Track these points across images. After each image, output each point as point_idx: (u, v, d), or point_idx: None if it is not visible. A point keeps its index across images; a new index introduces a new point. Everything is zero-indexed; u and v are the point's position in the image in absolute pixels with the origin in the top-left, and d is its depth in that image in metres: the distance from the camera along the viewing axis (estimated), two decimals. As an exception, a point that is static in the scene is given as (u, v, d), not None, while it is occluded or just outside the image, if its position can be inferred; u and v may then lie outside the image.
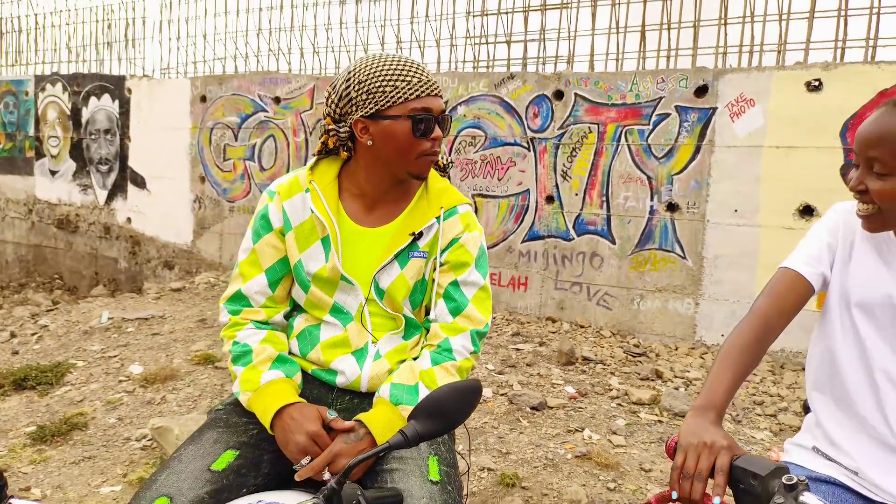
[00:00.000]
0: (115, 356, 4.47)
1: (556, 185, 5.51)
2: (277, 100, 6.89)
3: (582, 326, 5.32)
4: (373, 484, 1.25)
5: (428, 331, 1.50)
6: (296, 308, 1.54)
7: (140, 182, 7.85)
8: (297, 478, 1.24)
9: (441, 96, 1.43)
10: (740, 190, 4.81)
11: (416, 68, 1.38)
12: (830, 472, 1.24)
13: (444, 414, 1.05)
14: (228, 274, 6.84)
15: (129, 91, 7.81)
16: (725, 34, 5.11)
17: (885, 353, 1.18)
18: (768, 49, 4.99)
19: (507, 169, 5.70)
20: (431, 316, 1.48)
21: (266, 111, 6.96)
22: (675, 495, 0.98)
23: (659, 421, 3.67)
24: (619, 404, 3.88)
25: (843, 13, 4.73)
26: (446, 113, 1.43)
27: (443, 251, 1.46)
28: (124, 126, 7.87)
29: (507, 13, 5.99)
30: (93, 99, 8.07)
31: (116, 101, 7.90)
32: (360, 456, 0.98)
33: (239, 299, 1.47)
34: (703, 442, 0.97)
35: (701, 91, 4.94)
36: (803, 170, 4.53)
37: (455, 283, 1.46)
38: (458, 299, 1.45)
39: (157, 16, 7.84)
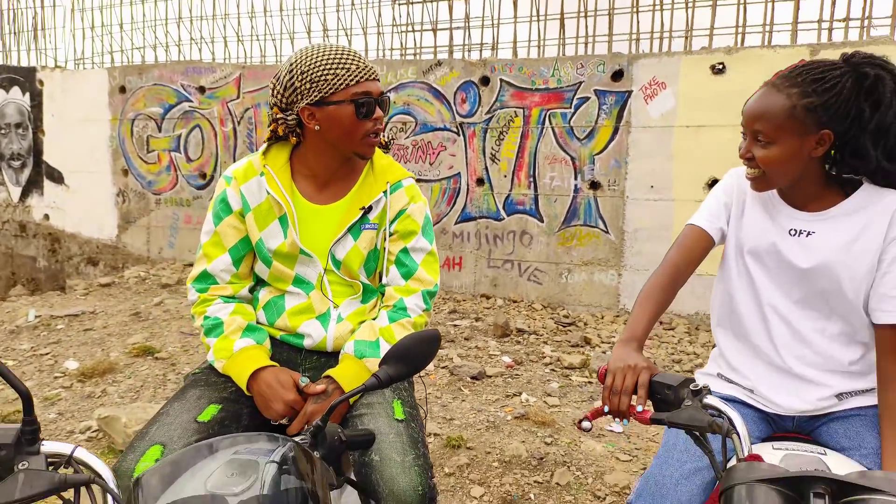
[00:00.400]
0: (47, 353, 4.37)
1: (486, 168, 5.73)
2: (202, 89, 6.78)
3: (515, 301, 5.58)
4: (347, 428, 1.40)
5: (383, 294, 1.64)
6: (259, 282, 1.65)
7: (57, 177, 7.54)
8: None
9: (378, 80, 1.55)
10: (655, 167, 5.16)
11: (354, 56, 1.49)
12: (732, 392, 1.48)
13: (410, 359, 1.20)
14: (159, 267, 6.72)
15: (41, 83, 7.47)
16: (638, 21, 5.45)
17: (772, 291, 1.42)
18: (677, 35, 5.36)
19: (438, 153, 5.86)
20: (385, 281, 1.62)
21: (191, 101, 6.84)
22: (606, 409, 1.17)
23: (589, 382, 3.96)
24: (553, 370, 4.14)
25: (742, 1, 5.14)
26: (385, 94, 1.57)
27: (391, 222, 1.60)
28: (37, 119, 7.53)
29: (431, 1, 6.13)
30: (0, 91, 7.67)
31: (27, 94, 7.54)
32: (342, 396, 1.12)
33: (205, 278, 1.57)
34: (627, 365, 1.16)
35: (617, 75, 5.26)
36: (711, 147, 4.91)
37: (405, 250, 1.61)
38: (408, 264, 1.60)
39: (68, 4, 7.51)
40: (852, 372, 1.36)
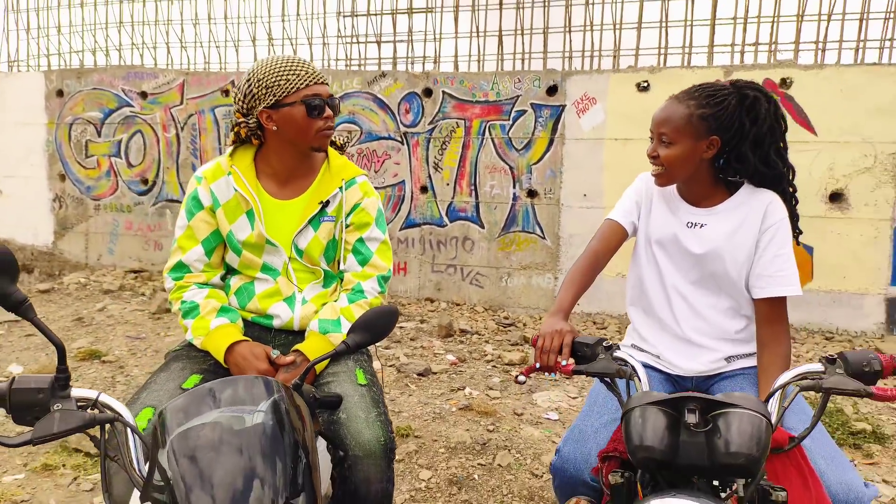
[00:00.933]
0: (-13, 359, 4.31)
1: (429, 176, 5.97)
2: (144, 95, 6.76)
3: (458, 304, 5.82)
4: (316, 391, 1.59)
5: (342, 280, 1.84)
6: (230, 271, 1.83)
7: (-12, 182, 7.32)
8: None
9: (327, 84, 1.75)
10: (588, 177, 5.52)
11: (303, 63, 1.70)
12: (643, 359, 1.75)
13: (373, 329, 1.41)
14: (98, 274, 6.63)
15: (-29, 84, 7.26)
16: (570, 40, 5.82)
17: (674, 274, 1.70)
18: (606, 54, 5.75)
19: (383, 161, 6.06)
20: (343, 267, 1.83)
21: (132, 106, 6.81)
22: (538, 365, 1.41)
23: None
24: (494, 366, 4.39)
25: (664, 24, 5.58)
26: (333, 97, 1.77)
27: (347, 214, 1.81)
28: (-34, 122, 7.30)
29: (375, 14, 6.34)
30: (-74, 92, 7.39)
31: (-44, 96, 7.31)
32: (319, 357, 1.31)
33: (181, 268, 1.74)
34: (555, 330, 1.40)
35: (552, 90, 5.60)
36: (637, 158, 5.30)
37: (360, 240, 1.82)
38: (364, 252, 1.81)
39: (1, 4, 7.34)
40: (738, 339, 1.66)
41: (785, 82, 5.11)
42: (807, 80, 5.08)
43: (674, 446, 1.03)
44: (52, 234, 7.13)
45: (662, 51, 5.57)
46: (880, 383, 4.08)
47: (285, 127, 1.68)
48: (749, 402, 1.03)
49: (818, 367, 1.17)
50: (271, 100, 1.65)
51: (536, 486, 2.82)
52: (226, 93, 6.51)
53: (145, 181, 6.86)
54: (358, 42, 6.42)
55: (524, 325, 5.38)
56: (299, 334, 1.76)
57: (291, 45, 6.59)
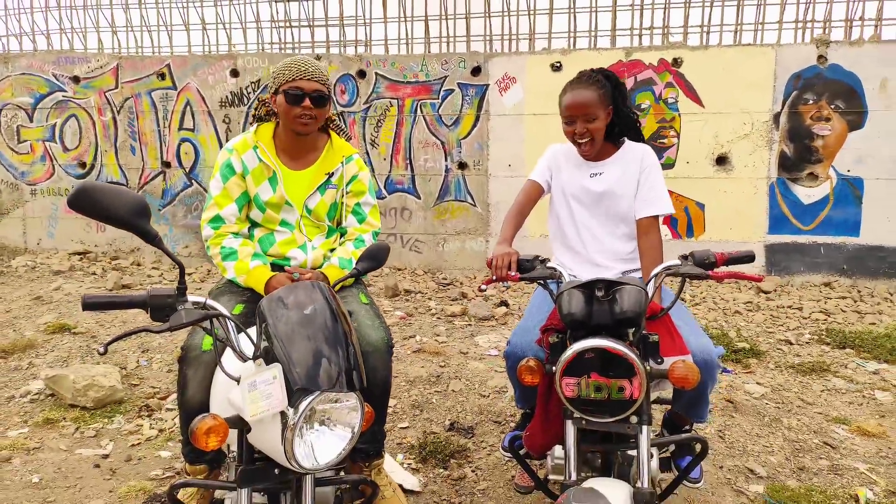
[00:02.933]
0: (-47, 339, 4.49)
1: (367, 152, 6.42)
2: (77, 79, 6.82)
3: (399, 269, 6.35)
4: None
5: (342, 234, 2.36)
6: (253, 225, 2.30)
7: (-89, 171, 7.18)
8: None
9: (318, 81, 2.19)
10: (511, 149, 6.14)
11: (301, 62, 2.15)
12: (567, 277, 2.37)
13: (375, 258, 1.93)
14: (45, 256, 6.71)
15: None
16: (490, 25, 6.38)
17: (583, 212, 2.31)
18: (523, 37, 6.36)
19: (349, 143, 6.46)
20: (346, 225, 2.34)
21: (64, 90, 6.86)
22: (494, 277, 1.97)
23: (468, 325, 4.83)
24: (438, 318, 4.97)
25: (573, 10, 6.23)
26: (317, 91, 2.18)
27: (347, 184, 2.31)
28: None
29: (307, 0, 6.68)
30: None
31: None
32: (345, 275, 1.82)
33: (218, 220, 2.19)
34: (504, 252, 1.96)
35: (476, 71, 6.16)
36: (553, 131, 5.90)
37: (358, 204, 2.35)
38: (361, 213, 2.35)
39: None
40: (629, 258, 2.29)
41: (676, 61, 5.87)
42: (695, 59, 5.87)
43: (589, 312, 1.61)
44: (-13, 220, 7.11)
45: (572, 35, 6.23)
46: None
47: (278, 108, 2.17)
48: (634, 282, 1.63)
49: (677, 262, 1.79)
50: (274, 87, 2.15)
51: (485, 404, 3.43)
52: (161, 76, 6.69)
53: (83, 164, 6.95)
54: (291, 26, 6.74)
55: (461, 283, 5.99)
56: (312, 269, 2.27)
57: (225, 29, 6.83)
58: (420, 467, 2.81)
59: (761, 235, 5.95)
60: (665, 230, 6.07)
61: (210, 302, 1.54)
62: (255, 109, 2.29)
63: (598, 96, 2.18)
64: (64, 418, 3.31)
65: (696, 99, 5.88)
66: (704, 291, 5.67)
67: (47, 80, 6.85)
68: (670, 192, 5.97)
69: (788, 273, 5.92)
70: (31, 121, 6.93)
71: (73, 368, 3.58)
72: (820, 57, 5.66)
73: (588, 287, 1.63)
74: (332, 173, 2.28)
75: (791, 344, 4.44)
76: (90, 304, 1.41)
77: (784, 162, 5.85)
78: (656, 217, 2.23)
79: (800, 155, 5.81)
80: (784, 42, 5.90)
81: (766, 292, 5.57)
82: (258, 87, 6.55)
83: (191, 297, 1.51)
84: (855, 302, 5.34)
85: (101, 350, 1.35)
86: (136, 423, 3.25)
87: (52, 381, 3.51)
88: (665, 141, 5.97)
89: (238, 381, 1.43)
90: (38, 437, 3.12)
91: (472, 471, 2.77)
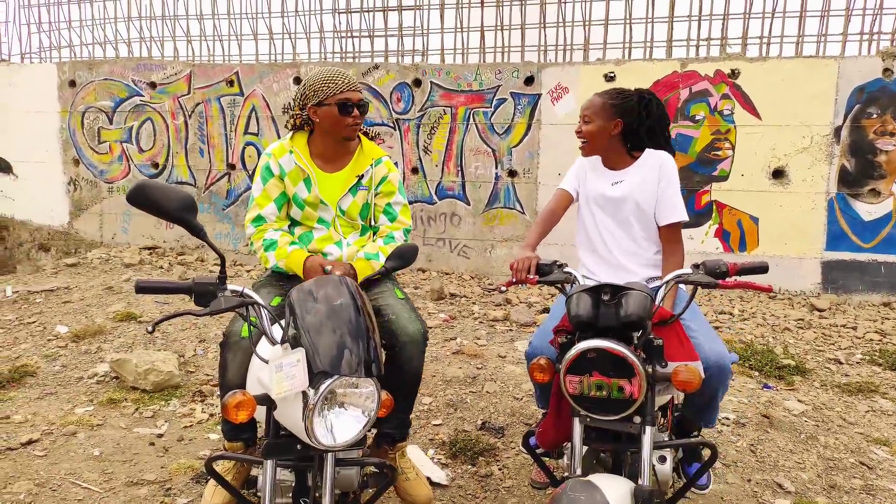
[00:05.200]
0: (33, 322, 4.89)
1: (420, 159, 6.61)
2: (153, 85, 7.29)
3: (447, 273, 6.49)
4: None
5: (374, 231, 2.51)
6: (293, 224, 2.48)
7: (4, 167, 7.81)
8: None
9: (360, 91, 2.39)
10: (561, 158, 6.19)
11: (342, 75, 2.33)
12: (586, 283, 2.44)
13: (402, 258, 2.07)
14: (118, 250, 7.20)
15: (-15, 76, 7.73)
16: (545, 35, 6.46)
17: (605, 219, 2.39)
18: (577, 48, 6.40)
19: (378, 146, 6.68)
20: (378, 223, 2.49)
21: (142, 95, 7.33)
22: (514, 280, 2.07)
23: (510, 330, 4.92)
24: (481, 322, 5.08)
25: (628, 21, 6.24)
26: (363, 101, 2.39)
27: (377, 185, 2.47)
28: (-18, 112, 7.77)
29: (368, 11, 6.92)
30: (-59, 83, 7.84)
31: (-30, 87, 7.77)
32: (370, 273, 1.97)
33: (259, 219, 2.39)
34: (525, 256, 2.06)
35: (529, 81, 6.25)
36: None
37: (389, 204, 2.50)
38: (392, 213, 2.50)
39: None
40: (655, 264, 2.35)
41: (734, 73, 5.80)
42: (753, 71, 5.78)
43: (596, 315, 1.70)
44: (68, 214, 7.67)
45: (627, 45, 6.24)
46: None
47: (324, 120, 2.33)
48: (640, 286, 1.71)
49: (689, 270, 1.84)
50: (316, 100, 2.30)
51: (517, 406, 3.51)
52: (230, 83, 7.07)
53: (156, 165, 7.42)
54: (352, 36, 7.01)
55: (506, 289, 6.07)
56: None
57: (290, 39, 7.16)
58: (449, 462, 2.92)
59: (818, 252, 5.79)
60: (717, 243, 5.99)
61: (248, 291, 1.70)
62: (293, 118, 2.43)
63: (603, 104, 2.31)
64: (125, 399, 3.58)
65: (753, 111, 5.79)
66: (755, 307, 5.57)
67: (127, 85, 7.35)
68: (723, 205, 5.93)
69: (846, 291, 5.73)
70: (111, 123, 7.44)
71: (136, 354, 3.87)
72: (886, 70, 5.48)
73: (596, 291, 1.71)
74: (363, 175, 2.43)
75: (840, 363, 4.32)
76: (143, 288, 1.60)
77: (844, 177, 5.68)
78: (677, 224, 2.28)
79: (861, 170, 5.63)
80: (848, 54, 5.74)
81: (820, 310, 5.42)
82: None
83: (230, 286, 1.68)
84: (915, 324, 5.13)
85: (150, 329, 1.53)
86: (189, 407, 3.49)
87: (116, 364, 3.81)
88: (720, 153, 5.90)
89: (268, 362, 1.58)
90: (102, 416, 3.40)
91: (500, 469, 2.86)
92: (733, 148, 5.86)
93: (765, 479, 2.79)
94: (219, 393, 2.23)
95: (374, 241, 2.49)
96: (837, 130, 5.64)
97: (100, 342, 4.45)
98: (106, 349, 4.34)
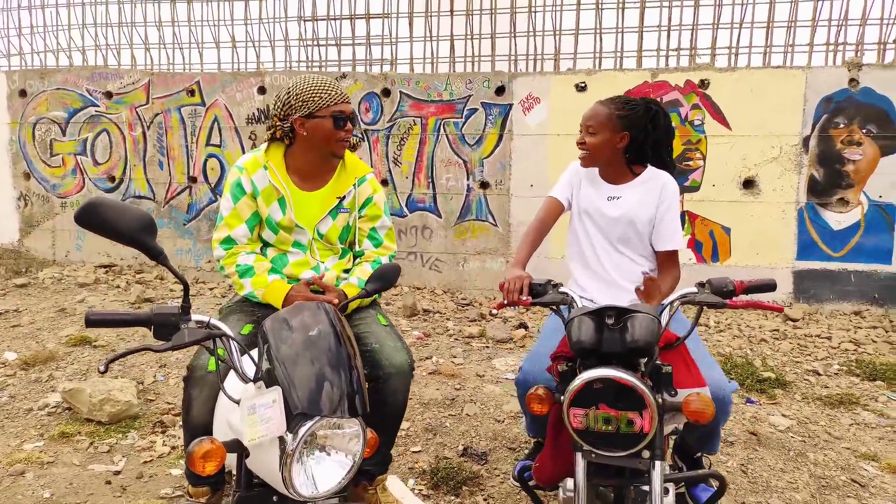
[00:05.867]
0: (-22, 348, 4.56)
1: (389, 170, 6.44)
2: (109, 94, 6.98)
3: (419, 288, 6.33)
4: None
5: (355, 256, 2.33)
6: (265, 244, 2.28)
7: (-52, 182, 7.39)
8: None
9: (349, 103, 2.22)
10: (534, 169, 6.11)
11: (333, 85, 2.14)
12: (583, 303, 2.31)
13: (384, 278, 1.91)
14: (71, 269, 6.84)
15: (-74, 85, 7.30)
16: (515, 45, 6.38)
17: (599, 236, 2.26)
18: (548, 57, 6.34)
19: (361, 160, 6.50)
20: (362, 248, 2.31)
21: (97, 105, 7.02)
22: (506, 302, 1.92)
23: (486, 346, 4.77)
24: (456, 339, 4.92)
25: (598, 31, 6.21)
26: (355, 113, 2.23)
27: (361, 207, 2.28)
28: (-77, 122, 7.34)
29: (335, 19, 6.76)
30: None
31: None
32: (354, 296, 1.80)
33: (229, 241, 2.18)
34: (516, 275, 1.92)
35: (500, 90, 6.16)
36: (576, 152, 5.89)
37: (374, 229, 2.32)
38: (377, 238, 2.33)
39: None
40: (647, 280, 2.24)
41: (703, 83, 5.80)
42: (722, 81, 5.79)
43: (600, 340, 1.56)
44: (18, 231, 7.27)
45: (597, 55, 6.20)
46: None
47: (314, 133, 2.11)
48: (646, 309, 1.58)
49: (694, 289, 1.73)
50: (306, 111, 2.08)
51: (499, 429, 3.36)
52: (191, 92, 6.81)
53: (112, 178, 7.09)
54: (318, 45, 6.83)
55: (480, 304, 5.93)
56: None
57: (254, 48, 6.94)
58: (431, 494, 2.75)
59: (789, 261, 5.80)
60: (690, 254, 5.96)
61: (214, 321, 1.52)
62: (272, 129, 2.22)
63: (609, 115, 2.16)
64: (79, 432, 3.32)
65: (724, 121, 5.80)
66: (729, 318, 5.54)
67: (81, 95, 7.02)
68: (695, 216, 5.91)
69: (817, 301, 5.75)
70: (64, 135, 7.10)
71: (91, 382, 3.60)
72: (851, 80, 5.54)
73: (598, 314, 1.58)
74: (344, 197, 2.24)
75: (819, 375, 4.29)
76: (93, 322, 1.41)
77: (813, 186, 5.72)
78: (675, 251, 2.17)
79: (830, 179, 5.67)
80: (815, 65, 5.79)
81: (793, 320, 5.42)
82: (284, 105, 6.61)
83: (195, 316, 1.50)
84: (886, 332, 5.16)
85: (102, 369, 1.34)
86: (149, 440, 3.25)
87: (69, 394, 3.53)
88: (691, 163, 5.88)
89: (238, 403, 1.40)
90: (53, 451, 3.14)
91: (485, 499, 2.70)
92: (704, 158, 5.86)
93: (759, 502, 2.69)
94: (182, 432, 2.02)
95: (359, 264, 2.31)
96: (806, 140, 5.68)
97: (51, 370, 4.16)
98: (58, 377, 4.05)
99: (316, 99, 2.09)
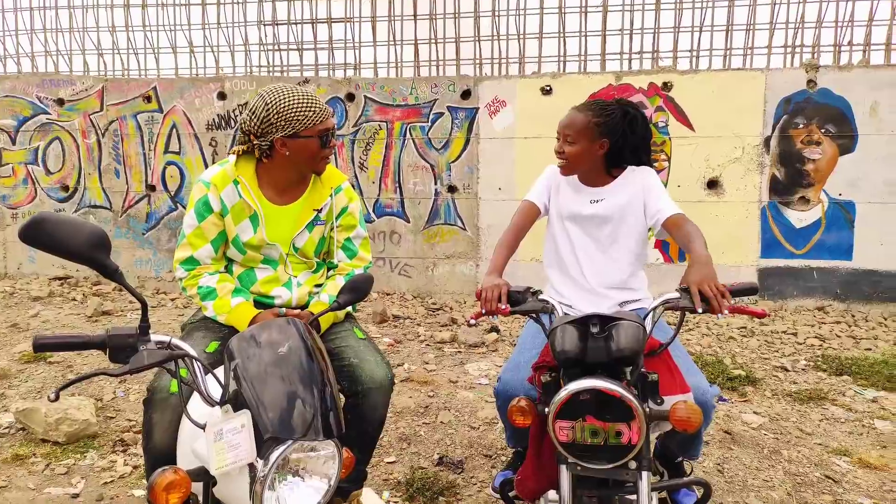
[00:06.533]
0: (-77, 369, 4.32)
1: (356, 175, 6.34)
2: (61, 102, 6.73)
3: (388, 294, 6.24)
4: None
5: (329, 267, 2.24)
6: (230, 261, 2.16)
7: None
8: None
9: (333, 116, 2.09)
10: (501, 172, 6.08)
11: (317, 101, 1.98)
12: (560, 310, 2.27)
13: (357, 290, 1.83)
14: (24, 282, 6.55)
15: None
16: (480, 48, 6.36)
17: (583, 237, 2.22)
18: (513, 61, 6.33)
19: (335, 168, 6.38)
20: (336, 260, 2.21)
21: (48, 113, 6.75)
22: (483, 311, 1.86)
23: (458, 351, 4.71)
24: (428, 345, 4.85)
25: (562, 35, 6.22)
26: (334, 127, 2.13)
27: (337, 217, 2.18)
28: None
29: (296, 23, 6.64)
30: None
31: None
32: (324, 309, 1.71)
33: (192, 262, 2.05)
34: (493, 283, 1.86)
35: (465, 94, 6.12)
36: (543, 154, 5.90)
37: (349, 239, 2.21)
38: (352, 248, 2.22)
39: None
40: (628, 288, 2.20)
41: (666, 85, 5.86)
42: (685, 84, 5.85)
43: (584, 349, 1.51)
44: (-34, 245, 6.95)
45: (562, 59, 6.21)
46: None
47: (298, 153, 1.96)
48: (631, 317, 1.54)
49: (676, 294, 1.69)
50: (290, 130, 1.92)
51: (475, 437, 3.30)
52: (147, 99, 6.61)
53: (66, 188, 6.83)
54: (279, 49, 6.70)
55: (451, 308, 5.88)
56: (297, 309, 2.15)
57: (213, 52, 6.76)
58: (407, 506, 2.68)
59: (754, 259, 5.89)
60: (657, 254, 6.01)
61: (175, 341, 1.43)
62: (249, 147, 2.05)
63: (587, 123, 2.11)
64: (34, 454, 3.15)
65: (687, 123, 5.86)
66: (697, 317, 5.59)
67: (31, 102, 6.75)
68: (662, 216, 5.95)
69: (782, 297, 5.85)
70: (14, 143, 6.81)
71: (45, 401, 3.42)
72: (809, 81, 5.66)
73: (582, 322, 1.53)
74: (321, 209, 2.12)
75: (787, 371, 4.35)
76: (41, 346, 1.30)
77: (775, 186, 5.82)
78: (677, 216, 2.08)
79: (791, 179, 5.78)
80: (773, 66, 5.90)
81: (760, 317, 5.49)
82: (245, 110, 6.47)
83: (154, 337, 1.40)
84: (849, 327, 5.27)
85: (52, 397, 1.24)
86: (109, 459, 3.10)
87: (22, 414, 3.35)
88: (656, 164, 5.93)
89: (204, 428, 1.31)
90: (6, 475, 2.97)
91: (462, 510, 2.64)
92: (669, 159, 5.91)
93: (736, 502, 2.69)
94: (143, 459, 1.89)
95: (331, 278, 2.21)
96: (767, 141, 5.78)
97: (3, 388, 3.96)
98: (11, 396, 3.85)
99: (301, 118, 1.93)
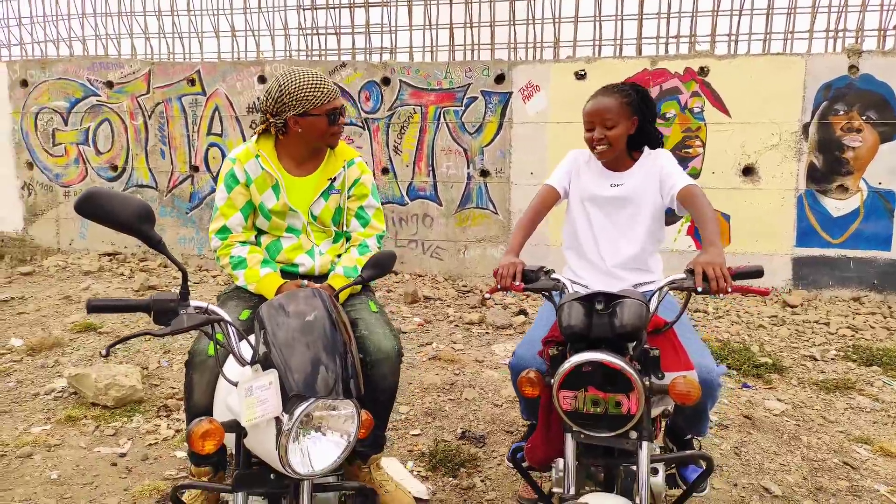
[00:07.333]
0: (-16, 335, 4.63)
1: (390, 159, 6.47)
2: (110, 84, 7.01)
3: (420, 275, 6.37)
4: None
5: (348, 238, 2.38)
6: (260, 233, 2.33)
7: (-48, 172, 7.44)
8: None
9: (340, 95, 2.26)
10: (534, 157, 6.13)
11: (325, 82, 2.18)
12: (576, 288, 2.34)
13: (380, 266, 1.95)
14: (75, 257, 6.90)
15: (-72, 75, 7.34)
16: (515, 33, 6.38)
17: (601, 219, 2.29)
18: (547, 45, 6.34)
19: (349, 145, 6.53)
20: (349, 229, 2.36)
21: (98, 95, 7.04)
22: (499, 287, 1.96)
23: (486, 333, 4.82)
24: (456, 325, 4.97)
25: (598, 19, 6.20)
26: (343, 105, 2.28)
27: (350, 188, 2.33)
28: (-74, 112, 7.38)
29: (334, 8, 6.76)
30: None
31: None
32: (347, 284, 1.84)
33: (225, 231, 2.24)
34: (510, 262, 1.95)
35: (499, 79, 6.17)
36: (576, 139, 5.87)
37: (361, 208, 2.37)
38: (365, 217, 2.37)
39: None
40: (644, 269, 2.26)
41: (703, 70, 5.80)
42: (722, 69, 5.78)
43: (589, 325, 1.60)
44: (23, 220, 7.33)
45: (597, 43, 6.20)
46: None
47: (309, 130, 2.18)
48: (635, 294, 1.62)
49: (682, 275, 1.76)
50: (300, 109, 2.13)
51: (497, 413, 3.41)
52: (191, 82, 6.83)
53: (114, 167, 7.13)
54: (318, 34, 6.83)
55: (481, 291, 5.98)
56: (320, 278, 2.29)
57: (254, 37, 6.94)
58: (430, 475, 2.81)
59: (788, 248, 5.83)
60: (689, 241, 5.99)
61: (212, 307, 1.56)
62: (266, 125, 2.25)
63: (620, 104, 2.18)
64: (85, 416, 3.39)
65: (723, 108, 5.80)
66: (728, 304, 5.57)
67: (82, 84, 7.05)
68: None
69: (816, 287, 5.78)
70: (66, 124, 7.13)
71: (96, 367, 3.66)
72: (851, 67, 5.53)
73: (588, 300, 1.62)
74: (335, 178, 2.30)
75: (816, 360, 4.33)
76: (96, 307, 1.45)
77: (813, 173, 5.73)
78: (689, 188, 2.12)
79: (829, 166, 5.68)
80: (814, 51, 5.78)
81: (792, 306, 5.45)
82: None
83: (193, 302, 1.54)
84: (885, 318, 5.19)
85: (104, 353, 1.39)
86: (154, 423, 3.31)
87: (74, 379, 3.60)
88: (690, 150, 5.89)
89: (236, 385, 1.45)
90: (60, 435, 3.20)
91: (482, 480, 2.76)
92: (704, 146, 5.86)
93: (751, 483, 2.74)
94: (185, 415, 2.07)
95: (347, 250, 2.36)
96: (805, 127, 5.69)
97: (57, 355, 4.23)
98: (64, 363, 4.12)
99: (310, 98, 2.13)
